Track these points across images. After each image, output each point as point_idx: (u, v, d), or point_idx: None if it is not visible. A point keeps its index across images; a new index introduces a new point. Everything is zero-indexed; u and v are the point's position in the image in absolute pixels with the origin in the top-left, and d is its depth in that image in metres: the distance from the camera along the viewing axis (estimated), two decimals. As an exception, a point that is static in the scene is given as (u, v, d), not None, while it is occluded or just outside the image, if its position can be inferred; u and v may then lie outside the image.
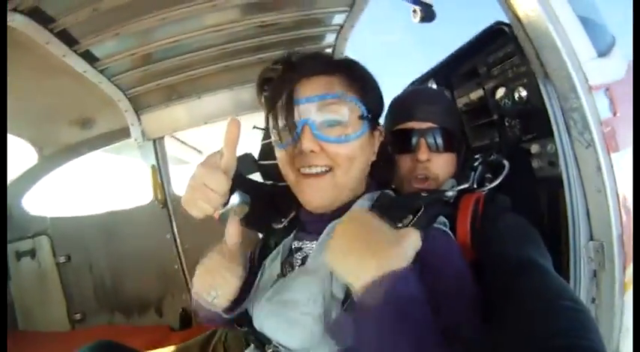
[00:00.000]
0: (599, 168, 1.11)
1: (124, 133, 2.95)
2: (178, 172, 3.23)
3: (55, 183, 3.05)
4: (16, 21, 1.82)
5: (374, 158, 1.06)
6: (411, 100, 1.39)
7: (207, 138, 3.60)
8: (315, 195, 0.97)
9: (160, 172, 3.01)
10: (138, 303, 3.06)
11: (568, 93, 1.14)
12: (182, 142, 3.66)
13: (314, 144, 0.92)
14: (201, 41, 2.38)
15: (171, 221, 3.02)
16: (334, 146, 0.94)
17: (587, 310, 0.75)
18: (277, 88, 0.98)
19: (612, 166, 1.11)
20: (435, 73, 1.90)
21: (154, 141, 2.99)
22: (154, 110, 2.89)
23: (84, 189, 3.26)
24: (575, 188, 1.18)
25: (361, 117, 0.96)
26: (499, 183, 1.21)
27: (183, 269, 2.99)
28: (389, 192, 1.08)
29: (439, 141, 1.31)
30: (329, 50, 2.67)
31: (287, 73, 0.99)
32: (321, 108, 0.93)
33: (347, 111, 0.94)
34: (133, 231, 3.05)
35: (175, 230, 3.01)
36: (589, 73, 1.13)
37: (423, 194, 1.02)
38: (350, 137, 0.95)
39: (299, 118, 0.93)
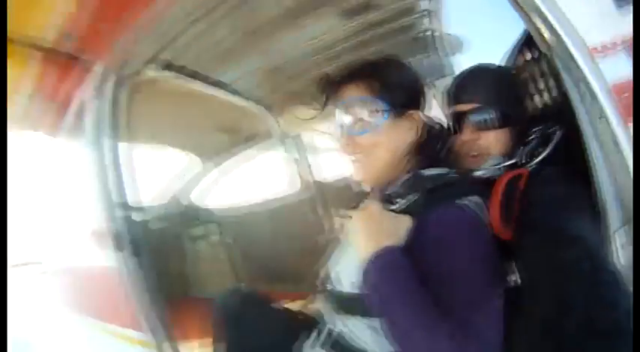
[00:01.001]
0: (617, 144, 0.98)
1: (267, 134, 3.41)
2: (318, 159, 3.61)
3: (218, 180, 3.70)
4: (153, 73, 2.30)
5: (412, 139, 1.22)
6: (456, 83, 1.48)
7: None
8: (358, 177, 1.25)
9: (303, 163, 3.49)
10: (293, 276, 3.58)
11: (568, 61, 1.03)
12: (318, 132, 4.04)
13: (345, 139, 1.21)
14: (308, 49, 2.64)
15: (316, 203, 3.45)
16: (358, 138, 1.19)
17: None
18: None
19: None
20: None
21: (294, 137, 3.40)
22: (288, 111, 3.31)
23: (243, 183, 3.93)
24: (600, 168, 1.04)
25: (378, 111, 1.17)
26: (558, 157, 1.20)
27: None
28: (424, 171, 1.19)
29: (484, 119, 1.35)
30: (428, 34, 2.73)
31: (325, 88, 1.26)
32: (345, 111, 1.20)
33: (362, 109, 1.18)
34: (285, 215, 3.56)
35: (320, 211, 3.44)
36: (589, 31, 1.00)
37: (451, 174, 1.17)
38: (367, 130, 1.18)
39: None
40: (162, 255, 3.03)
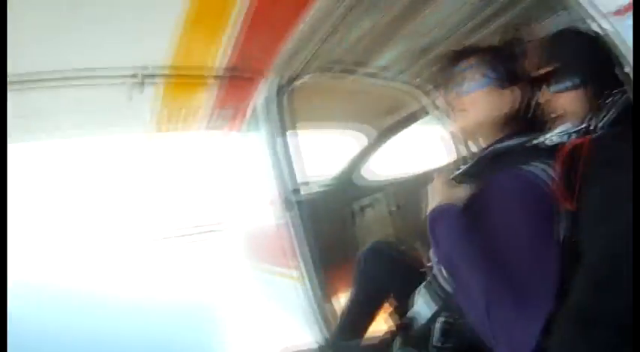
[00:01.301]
0: None
1: (423, 111, 3.62)
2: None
3: (382, 155, 4.08)
4: (309, 76, 2.81)
5: (507, 110, 1.39)
6: (539, 45, 1.51)
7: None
8: (453, 128, 1.57)
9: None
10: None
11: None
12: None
13: (454, 95, 1.45)
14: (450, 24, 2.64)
15: None
16: (464, 96, 1.42)
17: None
18: None
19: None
20: None
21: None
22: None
23: (404, 157, 4.24)
24: None
25: (485, 77, 1.39)
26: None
27: None
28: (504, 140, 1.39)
29: (559, 81, 1.36)
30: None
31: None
32: (461, 74, 1.44)
33: (474, 73, 1.41)
34: None
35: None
36: None
37: (511, 142, 1.35)
38: (471, 89, 1.41)
39: None
40: (328, 221, 3.55)
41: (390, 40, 2.70)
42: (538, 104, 1.41)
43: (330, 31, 2.36)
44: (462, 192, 1.29)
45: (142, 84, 2.48)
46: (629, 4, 0.91)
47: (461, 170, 1.46)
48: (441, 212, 1.27)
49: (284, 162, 2.56)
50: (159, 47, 2.26)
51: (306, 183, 3.13)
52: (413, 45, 2.81)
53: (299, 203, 2.48)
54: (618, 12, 0.94)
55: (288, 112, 2.71)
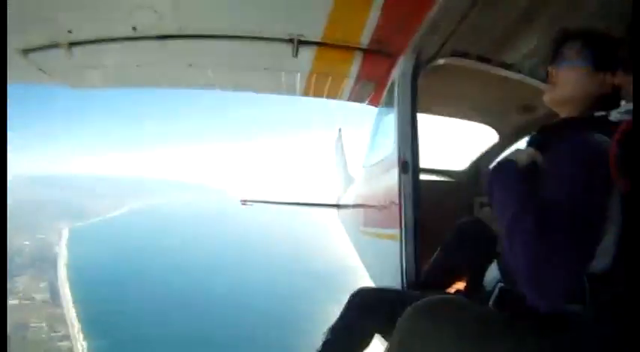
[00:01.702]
0: None
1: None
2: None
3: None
4: (444, 59, 2.96)
5: (595, 93, 1.50)
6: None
7: None
8: (545, 97, 1.64)
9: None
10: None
11: None
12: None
13: (553, 68, 1.60)
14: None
15: None
16: (560, 70, 1.57)
17: None
18: None
19: None
20: None
21: None
22: None
23: None
24: None
25: (582, 57, 1.51)
26: None
27: None
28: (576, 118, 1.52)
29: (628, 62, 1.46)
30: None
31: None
32: (564, 52, 1.58)
33: (573, 51, 1.54)
34: None
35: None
36: None
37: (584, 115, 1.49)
38: (566, 63, 1.55)
39: None
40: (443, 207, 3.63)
41: (528, 29, 2.71)
42: (616, 85, 1.49)
43: (463, 15, 2.52)
44: (528, 154, 1.40)
45: (297, 49, 2.86)
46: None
47: (535, 135, 1.57)
48: (500, 164, 1.41)
49: (409, 135, 2.74)
50: (314, 19, 2.61)
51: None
52: (545, 40, 2.72)
53: (415, 168, 2.65)
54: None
55: (422, 92, 2.86)
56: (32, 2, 2.37)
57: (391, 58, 3.01)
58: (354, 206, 5.27)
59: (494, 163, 1.45)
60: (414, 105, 2.76)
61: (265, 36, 2.81)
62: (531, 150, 1.44)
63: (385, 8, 2.39)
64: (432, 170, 4.59)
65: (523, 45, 2.90)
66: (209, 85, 3.75)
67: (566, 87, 1.54)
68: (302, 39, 2.82)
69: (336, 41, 2.88)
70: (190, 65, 3.31)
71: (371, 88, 3.69)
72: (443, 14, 2.39)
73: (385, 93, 3.35)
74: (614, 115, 1.34)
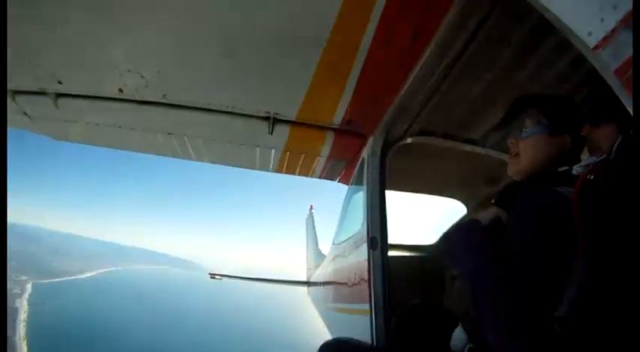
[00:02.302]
0: None
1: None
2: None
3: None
4: (411, 139, 3.15)
5: (556, 156, 1.53)
6: None
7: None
8: (508, 171, 1.67)
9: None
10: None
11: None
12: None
13: (513, 139, 1.65)
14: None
15: None
16: (520, 140, 1.61)
17: None
18: None
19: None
20: None
21: None
22: None
23: None
24: None
25: (540, 124, 1.55)
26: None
27: None
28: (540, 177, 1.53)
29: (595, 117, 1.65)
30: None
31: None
32: (522, 122, 1.63)
33: (531, 120, 1.58)
34: None
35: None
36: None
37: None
38: (526, 134, 1.58)
39: None
40: (412, 279, 3.67)
41: (490, 107, 2.88)
42: (582, 137, 1.57)
43: (429, 97, 2.66)
44: (492, 212, 1.48)
45: (273, 126, 3.00)
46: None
47: (499, 194, 1.62)
48: (464, 223, 1.48)
49: (378, 212, 2.82)
50: (291, 98, 2.76)
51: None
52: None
53: (383, 244, 2.71)
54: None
55: (392, 169, 2.99)
56: (30, 46, 2.43)
57: (361, 137, 3.17)
58: (324, 283, 5.23)
59: (456, 223, 1.50)
60: (382, 182, 2.88)
61: (244, 112, 2.95)
62: (495, 208, 1.50)
63: (357, 90, 2.54)
64: (402, 245, 4.67)
65: (486, 121, 3.06)
66: (186, 155, 3.82)
67: (526, 156, 1.57)
68: (278, 117, 2.97)
69: (310, 120, 3.04)
70: (170, 133, 3.41)
71: (342, 166, 3.85)
72: (410, 96, 2.56)
73: (355, 171, 3.50)
74: (576, 170, 1.39)
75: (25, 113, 3.22)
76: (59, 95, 2.92)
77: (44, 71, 2.68)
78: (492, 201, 1.63)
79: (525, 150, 1.57)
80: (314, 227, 9.40)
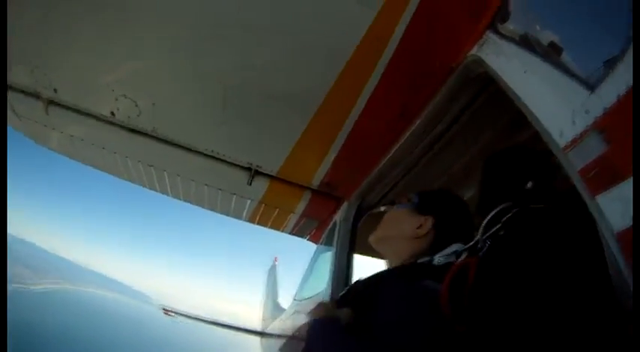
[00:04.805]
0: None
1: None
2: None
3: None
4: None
5: (415, 235, 1.49)
6: None
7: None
8: (370, 237, 1.68)
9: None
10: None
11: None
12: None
13: (387, 210, 1.73)
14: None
15: None
16: (391, 212, 1.69)
17: None
18: None
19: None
20: None
21: None
22: None
23: None
24: None
25: (409, 201, 1.61)
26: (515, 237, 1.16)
27: None
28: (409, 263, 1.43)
29: None
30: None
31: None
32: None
33: (403, 197, 1.67)
34: None
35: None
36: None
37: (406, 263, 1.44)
38: (395, 208, 1.67)
39: None
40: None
41: (467, 182, 2.84)
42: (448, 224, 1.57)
43: (408, 169, 2.70)
44: (347, 312, 1.31)
45: (253, 178, 3.07)
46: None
47: (353, 290, 1.57)
48: (322, 322, 1.36)
49: (344, 275, 2.85)
50: (275, 153, 2.85)
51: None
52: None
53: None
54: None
55: (361, 234, 3.04)
56: (36, 47, 2.47)
57: (337, 200, 3.25)
58: (281, 336, 5.11)
59: (312, 320, 1.41)
60: (351, 247, 2.93)
61: (227, 159, 3.01)
62: (348, 310, 1.32)
63: (340, 154, 2.66)
64: None
65: (462, 196, 3.06)
66: (163, 190, 3.86)
67: (385, 227, 1.62)
68: (259, 170, 3.04)
69: (290, 178, 3.12)
70: (151, 166, 3.44)
71: (313, 225, 3.90)
72: (390, 167, 2.62)
73: (326, 232, 3.54)
74: (437, 260, 1.31)
75: (15, 112, 3.21)
76: (51, 102, 2.92)
77: (43, 75, 2.70)
78: (342, 294, 1.68)
79: (386, 220, 1.65)
80: (276, 279, 9.26)
